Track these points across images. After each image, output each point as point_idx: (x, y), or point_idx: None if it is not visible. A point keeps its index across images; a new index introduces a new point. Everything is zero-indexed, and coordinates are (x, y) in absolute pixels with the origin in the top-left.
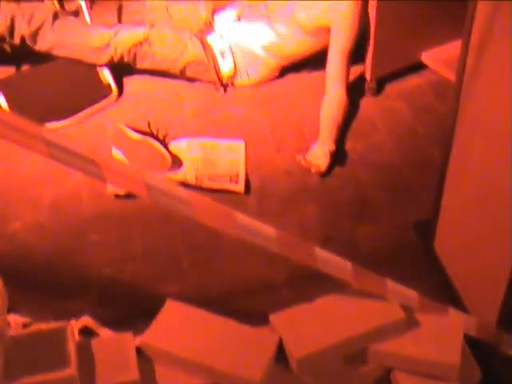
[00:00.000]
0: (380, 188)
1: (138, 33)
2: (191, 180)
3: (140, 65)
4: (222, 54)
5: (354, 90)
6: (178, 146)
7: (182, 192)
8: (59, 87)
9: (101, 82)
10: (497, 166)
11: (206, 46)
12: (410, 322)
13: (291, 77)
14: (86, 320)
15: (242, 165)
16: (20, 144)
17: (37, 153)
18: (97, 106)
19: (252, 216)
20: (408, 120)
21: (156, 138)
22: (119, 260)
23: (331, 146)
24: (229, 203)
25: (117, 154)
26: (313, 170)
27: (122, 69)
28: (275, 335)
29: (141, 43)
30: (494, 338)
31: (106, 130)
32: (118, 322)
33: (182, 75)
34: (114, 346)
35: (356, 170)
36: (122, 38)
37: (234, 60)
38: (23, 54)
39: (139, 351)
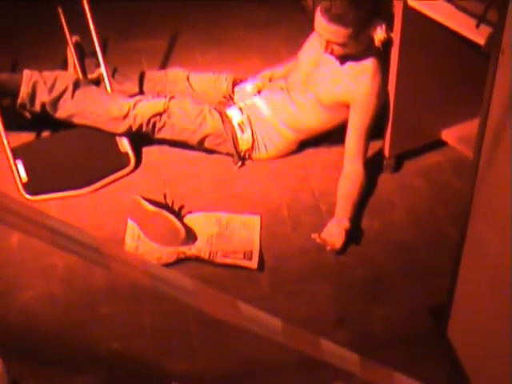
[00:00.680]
0: (395, 268)
1: (158, 104)
2: (204, 255)
3: (159, 135)
4: (241, 127)
5: (372, 167)
6: (194, 219)
7: (186, 283)
8: (78, 155)
9: (119, 151)
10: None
11: (225, 118)
12: None
13: (309, 151)
14: None
15: (256, 241)
16: (23, 231)
17: (40, 240)
18: (114, 175)
19: (264, 294)
20: (426, 198)
21: (171, 210)
22: (128, 335)
23: (347, 224)
24: (241, 280)
25: (132, 225)
26: (328, 248)
27: (140, 138)
28: None
29: (160, 114)
30: None
31: (122, 200)
32: None
33: (200, 147)
34: None
35: (372, 249)
36: (142, 109)
37: (252, 133)
38: (43, 121)
39: None
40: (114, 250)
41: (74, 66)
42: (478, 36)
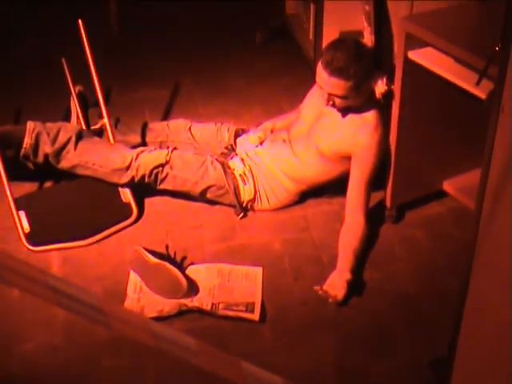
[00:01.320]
0: (397, 320)
1: (160, 155)
2: (206, 307)
3: (161, 186)
4: (243, 179)
5: (374, 217)
6: (196, 271)
7: (189, 342)
8: (80, 206)
9: (122, 201)
10: None
11: (227, 169)
12: None
13: (311, 202)
14: None
15: (258, 293)
16: (24, 289)
17: (43, 299)
18: (117, 227)
19: (266, 346)
20: (427, 249)
21: (174, 261)
22: None
23: (349, 276)
24: (243, 332)
25: (134, 276)
26: (330, 301)
27: (143, 188)
28: None
29: (162, 165)
30: None
31: (124, 251)
32: None
33: (202, 197)
34: None
35: (373, 301)
36: (144, 160)
37: (254, 185)
38: (46, 171)
39: None
40: (116, 308)
41: (78, 117)
42: (479, 89)
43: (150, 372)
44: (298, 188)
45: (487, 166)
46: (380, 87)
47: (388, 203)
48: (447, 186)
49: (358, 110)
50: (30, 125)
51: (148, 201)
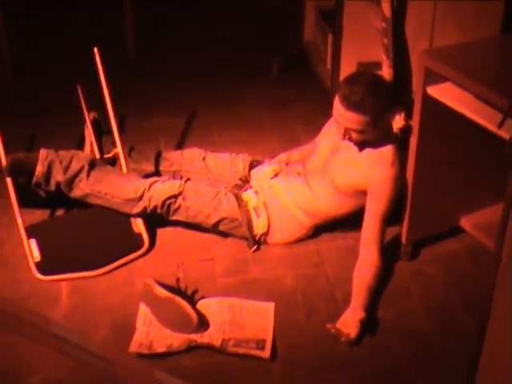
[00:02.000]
0: (410, 361)
1: (173, 186)
2: (217, 343)
3: (173, 217)
4: (257, 212)
5: (389, 253)
6: (207, 305)
7: None
8: (91, 235)
9: (133, 232)
10: None
11: (240, 202)
12: None
13: (325, 236)
14: None
15: (269, 329)
16: (28, 337)
17: (46, 346)
18: (128, 257)
19: None
20: (443, 287)
21: (184, 295)
22: None
23: (362, 315)
24: (254, 370)
25: (144, 309)
26: (342, 339)
27: (155, 219)
28: None
29: (175, 196)
30: None
31: (135, 283)
32: None
33: (214, 229)
34: None
35: (386, 340)
36: (157, 191)
37: (268, 218)
38: (58, 199)
39: None
40: (120, 356)
41: (91, 144)
42: (502, 129)
43: None
44: (312, 222)
45: (509, 204)
46: (398, 122)
47: (403, 239)
48: (464, 222)
49: (375, 144)
50: (42, 153)
51: (160, 231)
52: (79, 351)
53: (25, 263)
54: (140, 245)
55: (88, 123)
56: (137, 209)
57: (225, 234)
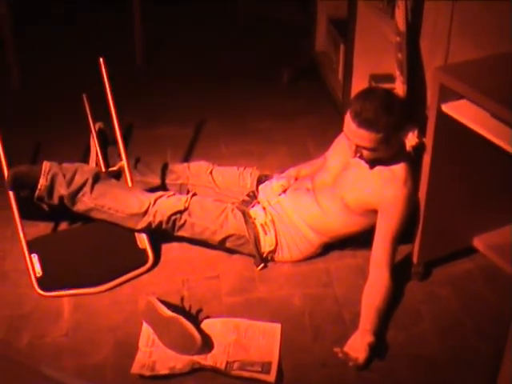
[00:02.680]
0: None
1: (179, 201)
2: (221, 365)
3: (178, 233)
4: (264, 229)
5: (399, 273)
6: (211, 325)
7: None
8: (95, 250)
9: (138, 247)
10: None
11: (247, 218)
12: None
13: (334, 255)
14: None
15: (275, 352)
16: (19, 379)
17: None
18: (131, 274)
19: None
20: (455, 310)
21: (188, 314)
22: None
23: (371, 338)
24: None
25: (147, 328)
26: (350, 364)
27: (160, 234)
28: None
29: (181, 212)
30: None
31: (138, 300)
32: None
33: (221, 246)
34: None
35: (396, 364)
36: (162, 206)
37: (276, 235)
38: (61, 212)
39: None
40: None
41: (97, 155)
42: None
43: None
44: (321, 240)
45: None
46: (411, 140)
47: (415, 259)
48: (477, 242)
49: (387, 162)
50: (45, 165)
51: (165, 246)
52: None
53: (26, 278)
54: (144, 261)
55: (93, 134)
56: (141, 224)
57: (231, 251)
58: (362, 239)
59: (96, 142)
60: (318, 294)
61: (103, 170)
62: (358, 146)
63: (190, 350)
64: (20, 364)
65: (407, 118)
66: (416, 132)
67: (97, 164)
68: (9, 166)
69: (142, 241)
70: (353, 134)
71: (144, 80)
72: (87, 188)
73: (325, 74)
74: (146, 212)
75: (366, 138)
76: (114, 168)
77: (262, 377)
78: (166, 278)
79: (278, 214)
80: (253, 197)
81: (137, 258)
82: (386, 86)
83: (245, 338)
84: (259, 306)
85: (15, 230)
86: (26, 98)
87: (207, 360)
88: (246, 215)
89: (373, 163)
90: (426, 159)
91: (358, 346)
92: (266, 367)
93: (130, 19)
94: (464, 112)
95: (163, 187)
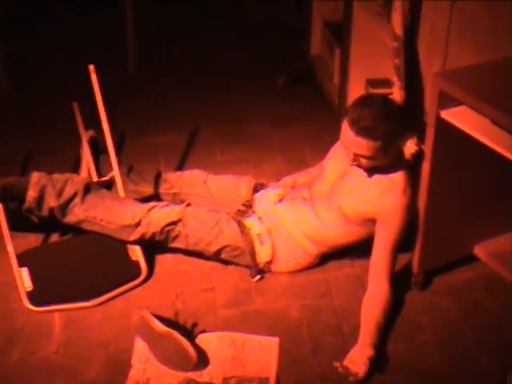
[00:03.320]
0: None
1: (172, 212)
2: (217, 382)
3: (172, 245)
4: (260, 239)
5: (399, 283)
6: (207, 340)
7: None
8: (86, 263)
9: (130, 259)
10: None
11: (243, 229)
12: None
13: (332, 265)
14: None
15: (273, 367)
16: None
17: None
18: (124, 287)
19: None
20: (456, 320)
21: (183, 328)
22: None
23: (371, 352)
24: None
25: (140, 344)
26: (350, 379)
27: (154, 245)
28: None
29: (174, 223)
30: None
31: (132, 314)
32: None
33: (216, 257)
34: None
35: (397, 378)
36: (155, 217)
37: (272, 245)
38: (52, 223)
39: None
40: None
41: (88, 164)
42: None
43: None
44: (319, 250)
45: None
46: (410, 147)
47: (415, 268)
48: (478, 250)
49: (386, 170)
50: (34, 176)
51: (159, 258)
52: None
53: (17, 293)
54: (137, 273)
55: (84, 142)
56: (134, 236)
57: (226, 262)
58: (360, 248)
59: (87, 150)
60: (316, 306)
61: (95, 179)
62: (355, 155)
63: (185, 366)
64: None
65: (406, 125)
66: (415, 139)
67: (88, 174)
68: None
69: (135, 252)
70: (350, 142)
71: (135, 85)
72: (78, 199)
73: (321, 79)
74: (138, 223)
75: (363, 146)
76: (106, 178)
77: None
78: (160, 291)
79: (274, 223)
80: (248, 206)
81: (129, 271)
82: (383, 91)
83: (241, 352)
84: (256, 318)
85: (5, 243)
86: (14, 105)
87: (203, 376)
88: (241, 225)
89: (371, 172)
90: (425, 167)
91: (357, 360)
92: (263, 383)
93: (123, 22)
94: (464, 119)
95: (156, 197)
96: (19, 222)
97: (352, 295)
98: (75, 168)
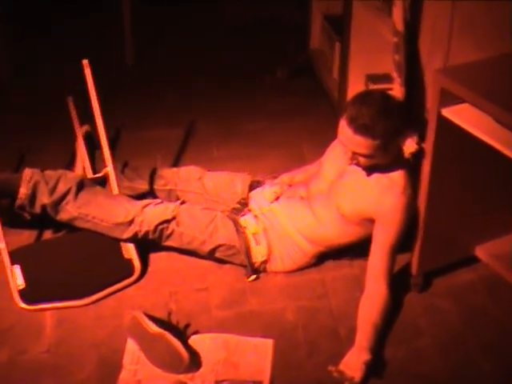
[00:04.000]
0: None
1: (166, 210)
2: None
3: (166, 243)
4: (256, 238)
5: (398, 285)
6: (199, 341)
7: None
8: (79, 261)
9: (123, 257)
10: None
11: (238, 228)
12: None
13: (329, 264)
14: None
15: (267, 370)
16: None
17: None
18: (117, 286)
19: None
20: (457, 323)
21: (176, 329)
22: None
23: (367, 356)
24: None
25: (132, 345)
26: (346, 383)
27: (148, 243)
28: None
29: (168, 221)
30: None
31: (124, 314)
32: None
33: (210, 257)
34: None
35: (395, 383)
36: (149, 215)
37: (268, 245)
38: (45, 220)
39: None
40: None
41: (83, 159)
42: None
43: None
44: (316, 249)
45: None
46: (410, 146)
47: (414, 270)
48: (480, 251)
49: (385, 169)
50: (26, 173)
51: (153, 256)
52: None
53: (8, 291)
54: (130, 272)
55: (79, 138)
56: (127, 234)
57: (221, 261)
58: (359, 248)
59: (81, 146)
60: (313, 307)
61: (90, 175)
62: (354, 153)
63: (177, 368)
64: None
65: (406, 122)
66: (415, 138)
67: (83, 169)
68: None
69: (128, 251)
70: (348, 140)
71: (133, 80)
72: (71, 196)
73: (320, 72)
74: (131, 221)
75: (362, 144)
76: (100, 174)
77: None
78: (153, 290)
79: (270, 222)
80: (244, 205)
81: (122, 269)
82: (384, 86)
83: (235, 355)
84: (251, 319)
85: None
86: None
87: (195, 379)
88: (236, 224)
89: (370, 170)
90: (426, 166)
91: (353, 364)
92: None
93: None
94: (465, 117)
95: (151, 193)
96: (12, 219)
97: (349, 297)
98: (70, 165)
